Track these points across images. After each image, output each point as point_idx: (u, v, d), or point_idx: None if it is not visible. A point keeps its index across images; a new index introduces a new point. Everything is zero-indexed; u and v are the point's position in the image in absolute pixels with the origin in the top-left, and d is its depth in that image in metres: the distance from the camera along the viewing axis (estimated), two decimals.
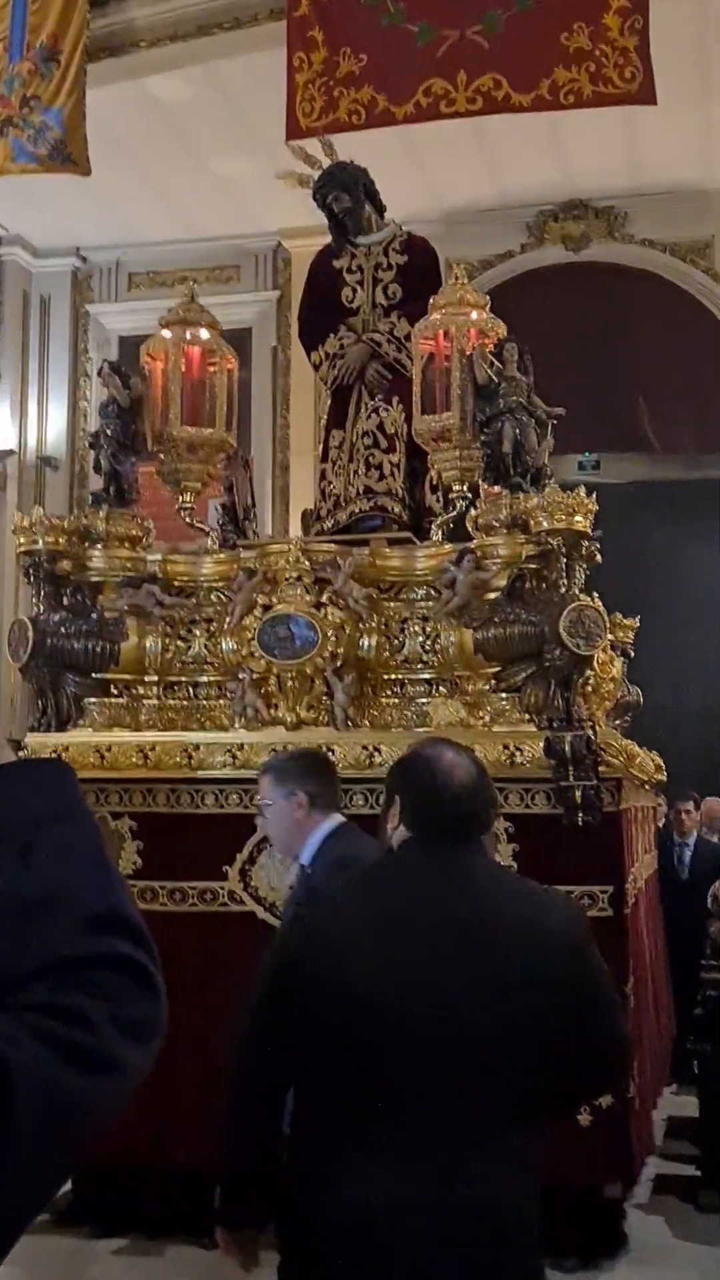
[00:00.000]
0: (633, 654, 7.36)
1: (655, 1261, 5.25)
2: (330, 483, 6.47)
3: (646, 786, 6.72)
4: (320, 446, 6.70)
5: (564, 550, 5.41)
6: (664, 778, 7.20)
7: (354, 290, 6.54)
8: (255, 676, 5.60)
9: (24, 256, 12.76)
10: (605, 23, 8.86)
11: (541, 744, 5.17)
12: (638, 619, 7.43)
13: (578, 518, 5.42)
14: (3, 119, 9.95)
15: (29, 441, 12.61)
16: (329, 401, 6.67)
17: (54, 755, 5.49)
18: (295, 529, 8.25)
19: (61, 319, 12.86)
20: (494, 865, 2.82)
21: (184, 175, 11.54)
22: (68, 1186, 5.25)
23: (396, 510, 6.26)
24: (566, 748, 5.08)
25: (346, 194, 6.48)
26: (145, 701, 5.81)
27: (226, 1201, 2.72)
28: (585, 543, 5.52)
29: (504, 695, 5.48)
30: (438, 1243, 2.32)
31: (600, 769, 5.17)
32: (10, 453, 12.42)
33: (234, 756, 5.46)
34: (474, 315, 5.93)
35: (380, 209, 6.66)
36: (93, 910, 1.18)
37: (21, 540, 5.74)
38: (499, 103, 9.25)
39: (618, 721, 6.87)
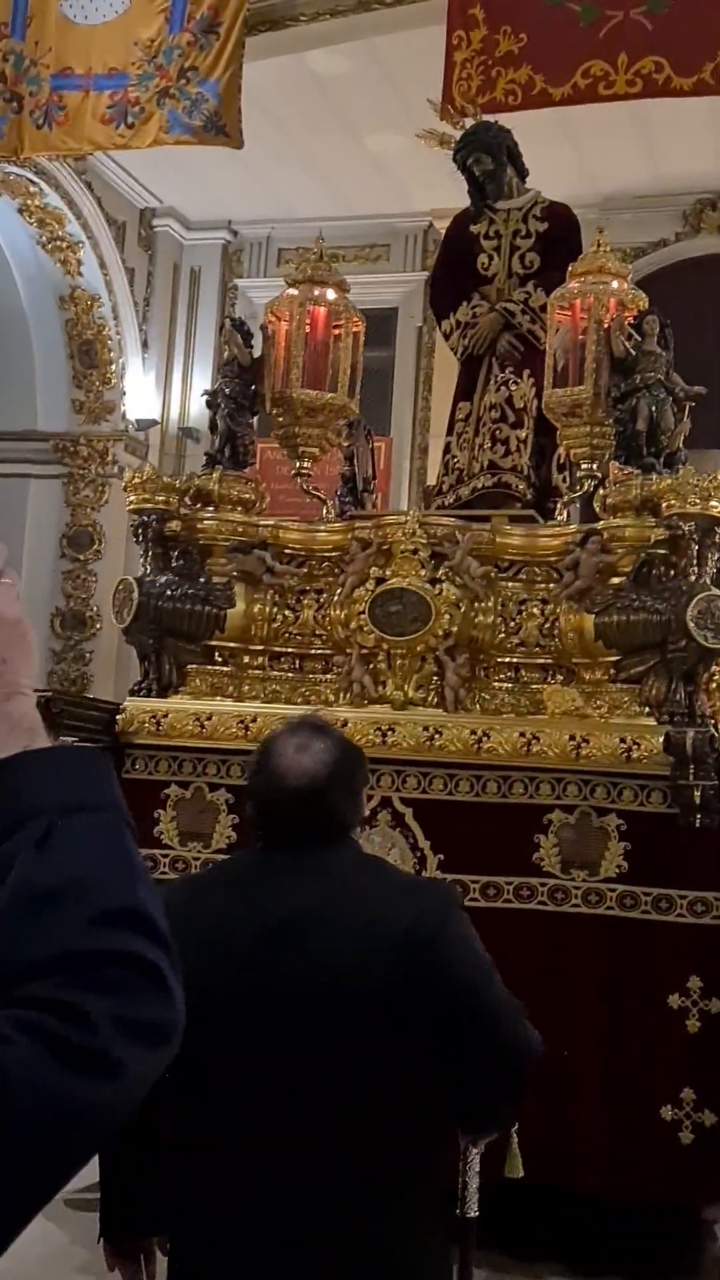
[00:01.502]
0: None
1: None
2: (454, 456, 6.07)
3: None
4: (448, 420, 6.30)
5: (696, 536, 4.97)
6: None
7: (490, 257, 6.11)
8: (364, 651, 5.24)
9: (176, 229, 12.59)
10: None
11: (660, 739, 4.73)
12: None
13: (713, 502, 4.98)
14: (160, 90, 9.76)
15: (172, 413, 12.45)
16: (458, 372, 6.26)
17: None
18: None
19: (210, 292, 12.67)
20: (352, 860, 2.43)
21: (337, 151, 11.27)
22: None
23: (521, 488, 5.83)
24: (688, 745, 4.63)
25: (488, 156, 6.06)
26: (249, 671, 5.49)
27: (104, 1213, 2.45)
28: (719, 529, 5.06)
29: (623, 685, 5.05)
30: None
31: None
32: (154, 422, 12.26)
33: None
34: (614, 285, 5.47)
35: (523, 173, 6.23)
36: (109, 904, 1.10)
37: (132, 498, 5.46)
38: (659, 86, 8.85)
39: None
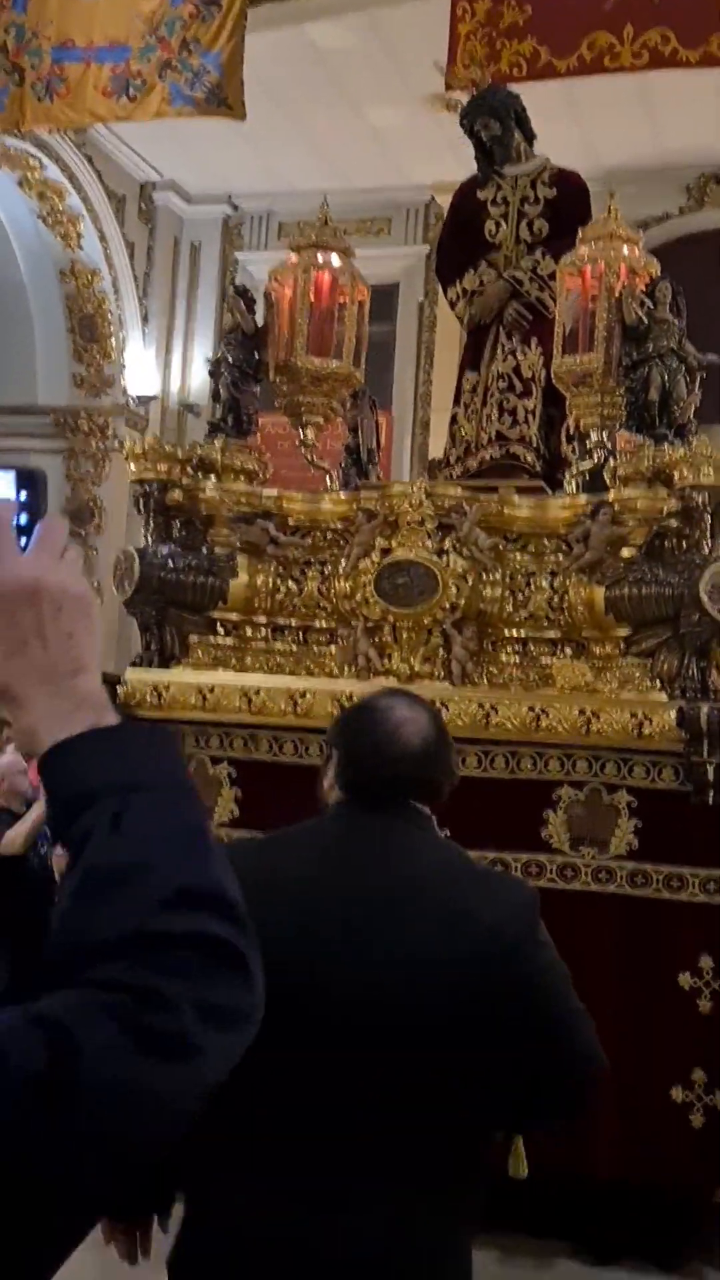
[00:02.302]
0: None
1: None
2: (461, 427, 5.89)
3: None
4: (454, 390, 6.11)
5: (709, 508, 4.81)
6: None
7: (497, 224, 5.91)
8: (369, 624, 5.08)
9: (177, 202, 12.43)
10: None
11: (673, 714, 4.58)
12: None
13: None
14: (162, 62, 9.59)
15: (172, 387, 12.29)
16: (464, 341, 6.07)
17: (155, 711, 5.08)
18: None
19: (211, 266, 12.50)
20: (434, 840, 2.30)
21: (339, 125, 11.10)
22: None
23: (529, 459, 5.66)
24: (702, 720, 4.48)
25: (496, 120, 5.86)
26: (253, 643, 5.33)
27: None
28: None
29: (633, 660, 4.89)
30: None
31: None
32: (153, 398, 12.11)
33: (342, 707, 4.93)
34: (626, 251, 5.29)
35: (530, 138, 6.03)
36: (185, 884, 1.07)
37: (134, 468, 5.29)
38: (665, 58, 8.71)
39: None
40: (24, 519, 1.22)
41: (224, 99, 9.41)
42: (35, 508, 1.26)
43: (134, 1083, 0.99)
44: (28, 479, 1.31)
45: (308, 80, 10.60)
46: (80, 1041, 0.97)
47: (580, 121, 10.39)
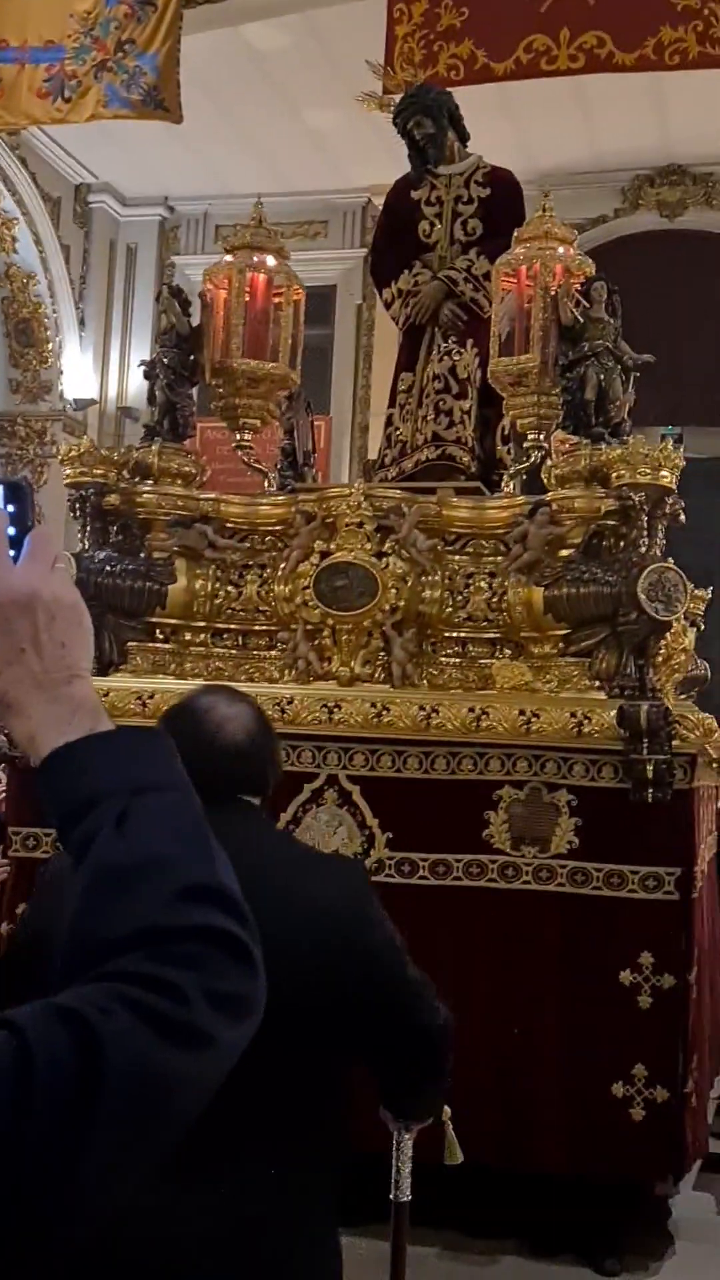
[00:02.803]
0: (704, 626, 6.73)
1: (703, 1239, 4.91)
2: (396, 428, 5.88)
3: (714, 765, 6.12)
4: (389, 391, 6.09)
5: (647, 507, 4.82)
6: None
7: (431, 224, 5.90)
8: (309, 627, 5.06)
9: (112, 205, 12.34)
10: None
11: (613, 713, 4.59)
12: (710, 590, 6.80)
13: (663, 472, 4.84)
14: (97, 63, 9.52)
15: (110, 392, 12.20)
16: (399, 343, 6.06)
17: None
18: None
19: (147, 269, 12.42)
20: (269, 831, 2.38)
21: (276, 127, 11.05)
22: None
23: (465, 460, 5.65)
24: (641, 718, 4.49)
25: (429, 119, 5.85)
26: (191, 648, 5.29)
27: None
28: (669, 500, 4.93)
29: (572, 659, 4.90)
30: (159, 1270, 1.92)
31: (674, 743, 4.56)
32: (91, 402, 12.02)
33: (283, 711, 4.91)
34: (561, 251, 5.30)
35: (464, 137, 6.02)
36: (189, 880, 1.11)
37: (69, 472, 5.23)
38: (602, 61, 8.77)
39: (684, 696, 6.28)
40: (12, 531, 1.24)
41: (161, 101, 9.34)
42: (23, 519, 1.27)
43: (155, 1071, 1.02)
44: (14, 491, 1.31)
45: (244, 82, 10.54)
46: (101, 1032, 0.99)
47: (515, 124, 10.41)
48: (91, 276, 12.20)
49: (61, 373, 11.82)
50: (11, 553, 1.22)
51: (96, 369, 12.16)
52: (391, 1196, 2.84)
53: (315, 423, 8.01)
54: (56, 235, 11.77)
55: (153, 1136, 1.04)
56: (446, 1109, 2.84)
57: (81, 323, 12.09)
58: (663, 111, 10.85)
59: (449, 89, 6.17)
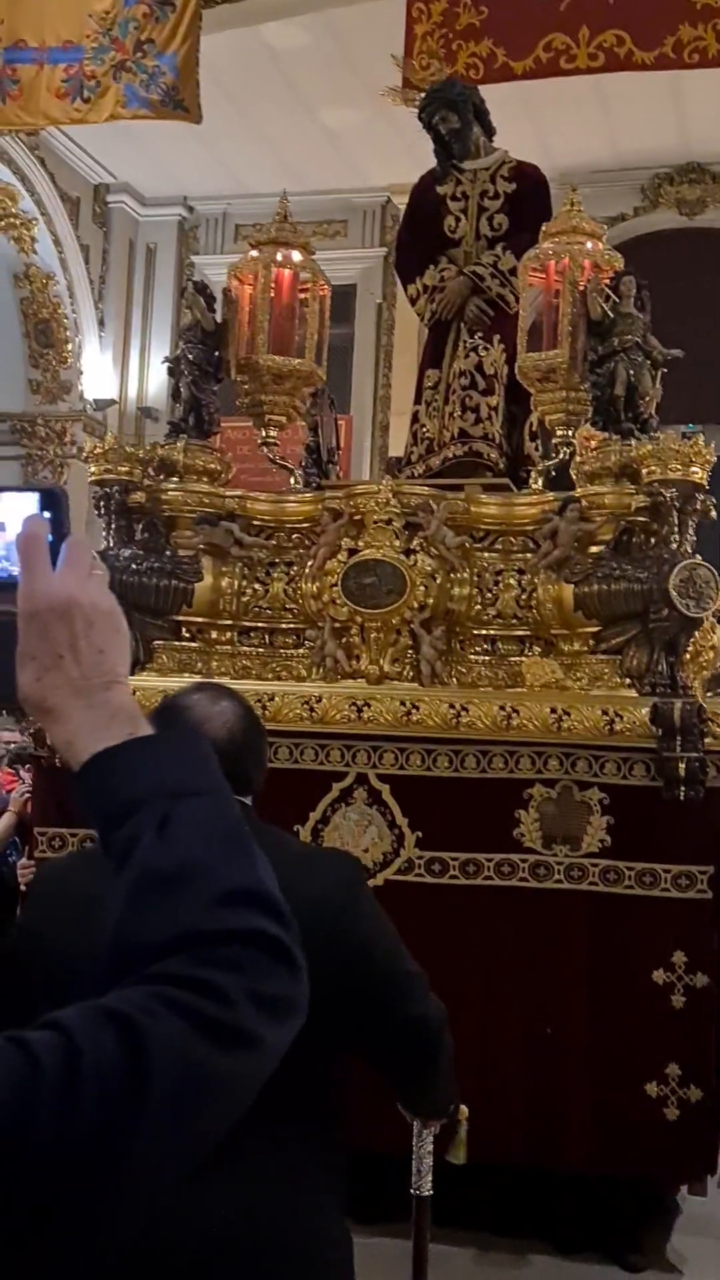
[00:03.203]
0: None
1: None
2: (423, 425, 5.82)
3: None
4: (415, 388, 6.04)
5: (677, 503, 4.76)
6: None
7: (457, 219, 5.84)
8: (337, 625, 5.01)
9: (132, 205, 12.31)
10: None
11: (645, 710, 4.53)
12: None
13: (694, 468, 4.78)
14: (116, 63, 9.50)
15: (130, 392, 12.17)
16: (425, 339, 6.00)
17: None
18: None
19: (166, 269, 12.38)
20: (260, 829, 2.30)
21: (295, 126, 11.02)
22: None
23: (493, 456, 5.59)
24: (675, 715, 4.43)
25: (454, 113, 5.79)
26: (218, 647, 5.23)
27: None
28: (701, 496, 4.87)
29: (603, 657, 4.85)
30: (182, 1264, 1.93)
31: (706, 740, 4.51)
32: (111, 402, 12.00)
33: (311, 709, 4.87)
34: (589, 245, 5.24)
35: (490, 132, 5.97)
36: (231, 884, 1.12)
37: (94, 469, 5.18)
38: (621, 60, 8.75)
39: (711, 694, 6.22)
40: (49, 538, 1.25)
41: (180, 101, 9.32)
42: (60, 526, 1.27)
43: (201, 1072, 1.02)
44: (50, 499, 1.33)
45: (263, 82, 10.51)
46: (148, 1034, 1.00)
47: (535, 122, 10.37)
48: (111, 276, 12.18)
49: (81, 373, 11.80)
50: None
51: (116, 369, 12.14)
52: (413, 1191, 2.86)
53: (338, 421, 7.98)
54: (76, 235, 11.75)
55: (198, 1136, 1.04)
56: (464, 1109, 2.84)
57: (101, 323, 12.07)
58: (682, 110, 10.82)
59: (473, 85, 6.12)
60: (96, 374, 11.90)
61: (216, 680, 4.28)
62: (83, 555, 1.23)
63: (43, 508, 1.32)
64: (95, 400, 11.85)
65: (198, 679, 5.12)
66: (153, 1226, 1.78)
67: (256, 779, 2.33)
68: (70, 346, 11.69)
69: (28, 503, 1.32)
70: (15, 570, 1.23)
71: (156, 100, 9.49)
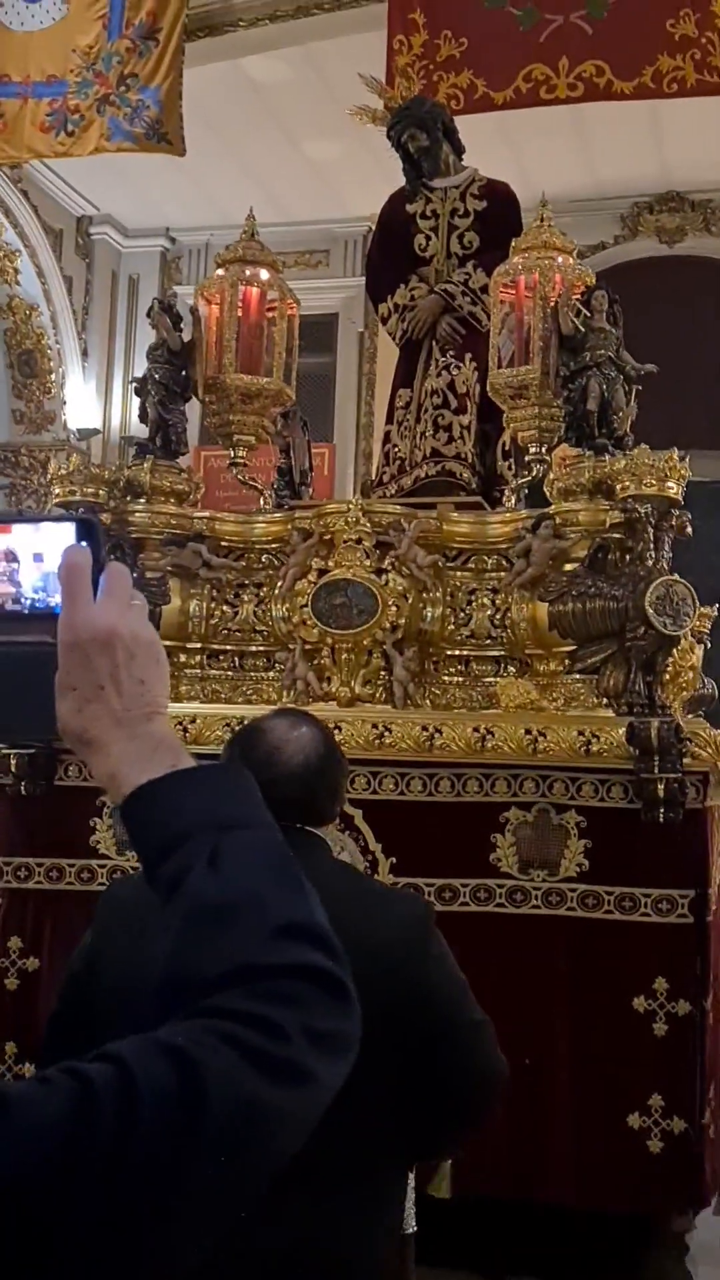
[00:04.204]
0: (710, 644, 6.50)
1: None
2: (395, 445, 5.66)
3: None
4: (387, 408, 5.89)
5: (653, 519, 4.60)
6: None
7: (427, 237, 5.70)
8: (307, 647, 4.83)
9: (114, 236, 12.22)
10: (713, 9, 8.39)
11: (621, 731, 4.36)
12: (715, 608, 6.57)
13: (669, 484, 4.63)
14: (100, 97, 9.44)
15: (113, 421, 12.05)
16: (397, 359, 5.85)
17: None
18: None
19: (149, 300, 12.10)
20: (329, 863, 2.28)
21: (276, 158, 10.94)
22: None
23: (466, 475, 5.44)
24: (653, 735, 4.25)
25: (424, 132, 5.66)
26: (187, 670, 5.06)
27: None
28: (676, 512, 4.71)
29: (579, 676, 4.68)
30: None
31: (685, 761, 4.33)
32: (95, 431, 11.87)
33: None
34: (560, 260, 5.10)
35: (459, 150, 5.84)
36: (283, 919, 1.11)
37: (59, 491, 5.02)
38: (600, 90, 8.71)
39: (689, 716, 6.05)
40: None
41: (163, 134, 9.25)
42: (97, 557, 1.23)
43: (257, 1107, 1.00)
44: (87, 529, 1.29)
45: (245, 114, 10.45)
46: (204, 1067, 0.98)
47: (515, 151, 10.26)
48: (94, 307, 12.07)
49: (65, 403, 11.68)
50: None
51: (100, 399, 12.03)
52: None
53: (318, 451, 7.83)
54: (59, 267, 11.64)
55: (253, 1171, 1.03)
56: None
57: (84, 353, 11.95)
58: (660, 139, 10.73)
59: (442, 104, 6.03)
60: (80, 404, 11.79)
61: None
62: (123, 585, 1.22)
63: (79, 538, 1.27)
64: (79, 430, 11.74)
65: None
66: (207, 1263, 1.73)
67: (329, 810, 2.25)
68: (54, 377, 11.59)
69: (65, 533, 1.28)
70: (53, 601, 1.22)
71: (140, 133, 9.43)
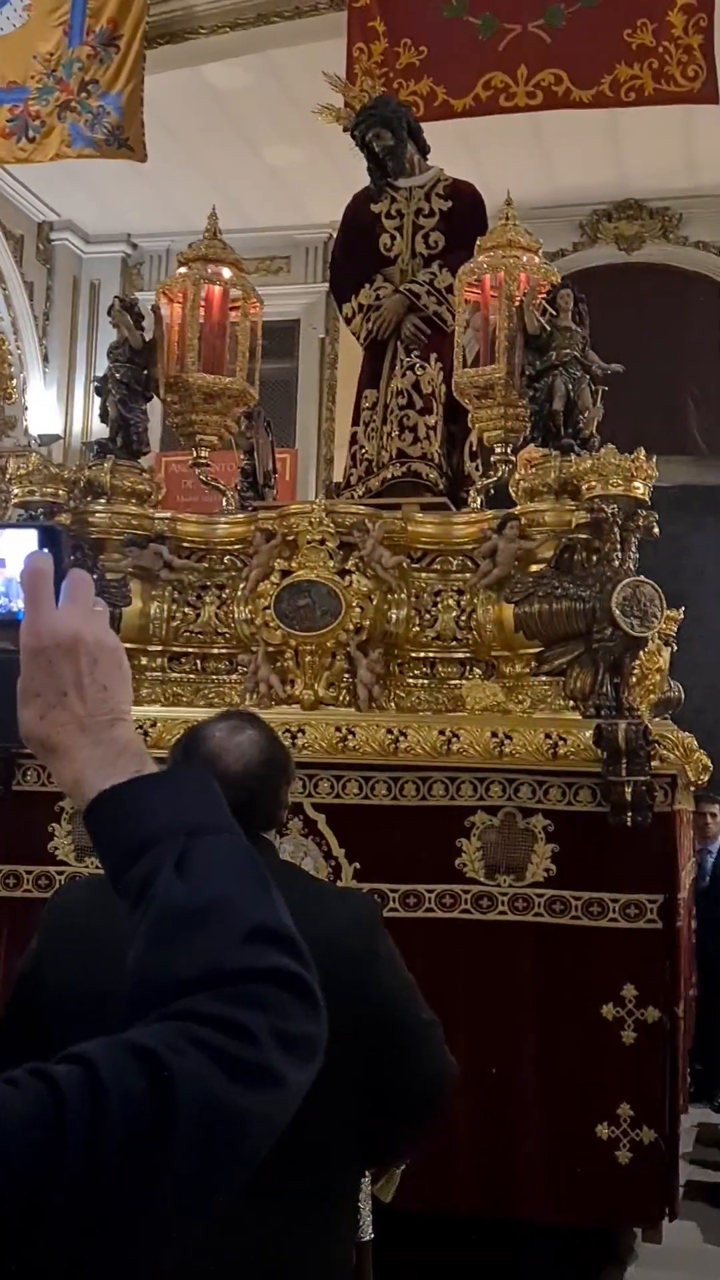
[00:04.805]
0: (676, 647, 6.40)
1: (686, 1266, 4.76)
2: (361, 447, 5.54)
3: (690, 789, 5.77)
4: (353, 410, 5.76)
5: (619, 519, 4.49)
6: (706, 780, 6.21)
7: (392, 237, 5.59)
8: (270, 649, 4.69)
9: (75, 242, 12.09)
10: (669, 20, 8.36)
11: (588, 734, 4.23)
12: (682, 610, 6.47)
13: (636, 483, 4.52)
14: (61, 103, 9.33)
15: (75, 427, 11.88)
16: (362, 360, 5.72)
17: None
18: None
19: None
20: (275, 863, 2.22)
21: (237, 164, 10.85)
22: None
23: (432, 476, 5.32)
24: (620, 737, 4.13)
25: (388, 131, 5.55)
26: (148, 673, 4.91)
27: None
28: (643, 512, 4.60)
29: (545, 678, 4.55)
30: None
31: (653, 763, 4.21)
32: (56, 437, 11.71)
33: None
34: (525, 259, 4.99)
35: (424, 150, 5.73)
36: (252, 923, 1.10)
37: (18, 490, 4.86)
38: (559, 98, 8.71)
39: (656, 719, 5.94)
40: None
41: (125, 140, 9.14)
42: (59, 563, 1.22)
43: (227, 1110, 0.99)
44: (50, 535, 1.29)
45: (206, 120, 10.35)
46: (175, 1070, 0.97)
47: (474, 158, 10.16)
48: (55, 313, 11.91)
49: (26, 409, 11.51)
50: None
51: (61, 405, 11.87)
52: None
53: (280, 456, 7.69)
54: (19, 273, 11.47)
55: (225, 1175, 1.01)
56: None
57: (45, 359, 11.79)
58: (619, 147, 10.70)
59: (407, 104, 5.92)
60: (41, 410, 11.63)
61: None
62: (86, 591, 1.21)
63: (42, 544, 1.27)
64: (40, 435, 11.56)
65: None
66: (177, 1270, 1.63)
67: (274, 815, 2.19)
68: (15, 383, 11.42)
69: (27, 539, 1.28)
70: (15, 607, 1.22)
71: (101, 139, 9.33)
